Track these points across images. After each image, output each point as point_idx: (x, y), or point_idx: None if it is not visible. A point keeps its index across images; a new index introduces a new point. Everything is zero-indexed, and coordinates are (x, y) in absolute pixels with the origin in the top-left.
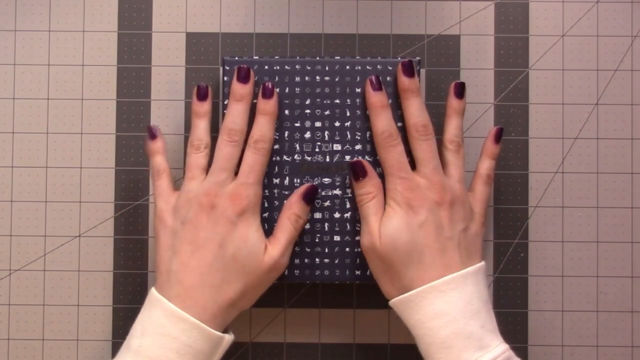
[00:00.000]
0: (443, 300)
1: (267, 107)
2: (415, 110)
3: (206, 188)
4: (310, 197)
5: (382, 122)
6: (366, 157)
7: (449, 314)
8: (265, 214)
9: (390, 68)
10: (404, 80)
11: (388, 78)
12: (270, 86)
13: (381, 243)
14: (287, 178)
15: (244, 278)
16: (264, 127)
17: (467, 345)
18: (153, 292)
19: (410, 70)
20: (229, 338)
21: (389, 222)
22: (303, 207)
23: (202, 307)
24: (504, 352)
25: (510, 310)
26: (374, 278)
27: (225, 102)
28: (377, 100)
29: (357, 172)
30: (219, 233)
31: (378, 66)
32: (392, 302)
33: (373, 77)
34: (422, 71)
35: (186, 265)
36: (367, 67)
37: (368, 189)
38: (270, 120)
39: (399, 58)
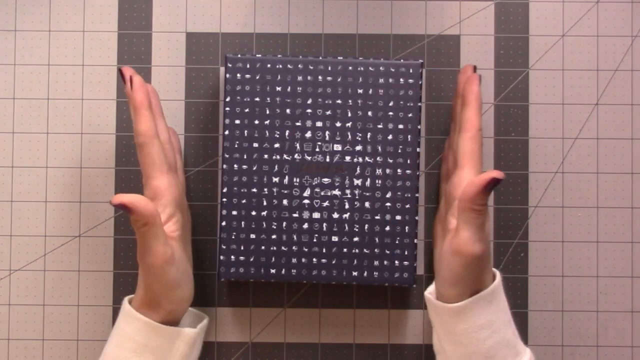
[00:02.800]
0: (490, 311)
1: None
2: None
3: None
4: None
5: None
6: (366, 158)
7: (493, 324)
8: (264, 213)
9: (392, 70)
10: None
11: (390, 80)
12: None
13: (488, 247)
14: (286, 177)
15: None
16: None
17: (507, 353)
18: (125, 299)
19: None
20: (189, 331)
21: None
22: None
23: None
24: (531, 356)
25: (511, 310)
26: (361, 281)
27: (227, 100)
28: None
29: (493, 185)
30: None
31: (380, 67)
32: (447, 307)
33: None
34: (423, 71)
35: None
36: (370, 67)
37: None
38: (135, 113)
39: (402, 60)
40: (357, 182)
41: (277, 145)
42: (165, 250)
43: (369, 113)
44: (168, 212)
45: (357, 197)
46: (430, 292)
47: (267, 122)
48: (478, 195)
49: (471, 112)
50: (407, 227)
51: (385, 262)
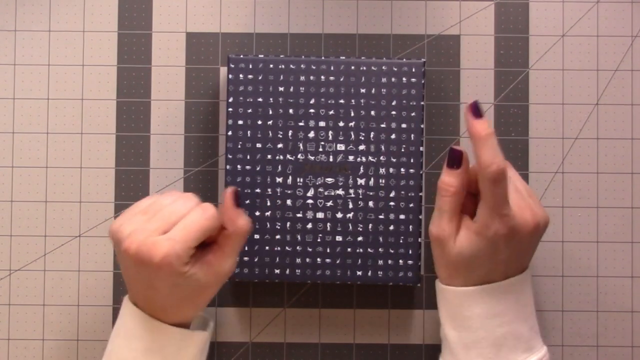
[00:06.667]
0: (503, 301)
1: None
2: None
3: None
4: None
5: (489, 152)
6: (369, 157)
7: (507, 315)
8: (268, 213)
9: (395, 69)
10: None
11: (393, 79)
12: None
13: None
14: (290, 177)
15: None
16: None
17: (516, 345)
18: (125, 297)
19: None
20: (200, 334)
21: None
22: None
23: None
24: (545, 354)
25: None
26: (357, 279)
27: (230, 100)
28: (481, 128)
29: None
30: None
31: (383, 67)
32: (454, 291)
33: (473, 104)
34: (423, 71)
35: None
36: (372, 67)
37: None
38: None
39: (404, 60)
40: (361, 181)
41: (280, 146)
42: None
43: (372, 112)
44: None
45: (360, 197)
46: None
47: (270, 122)
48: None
49: (478, 150)
50: (411, 226)
51: (390, 262)
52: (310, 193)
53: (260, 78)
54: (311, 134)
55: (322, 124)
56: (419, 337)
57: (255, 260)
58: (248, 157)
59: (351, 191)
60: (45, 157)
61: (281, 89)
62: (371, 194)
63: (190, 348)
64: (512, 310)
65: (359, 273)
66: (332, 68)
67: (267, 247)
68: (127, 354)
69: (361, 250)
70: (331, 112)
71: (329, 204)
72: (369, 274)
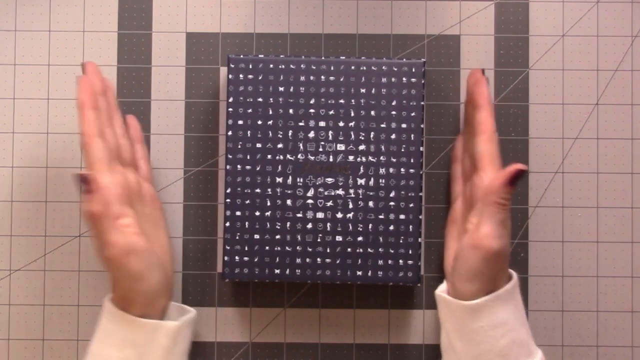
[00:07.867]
0: (506, 310)
1: None
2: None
3: None
4: None
5: (491, 117)
6: (369, 157)
7: (508, 323)
8: (268, 213)
9: (395, 69)
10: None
11: (393, 79)
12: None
13: (507, 246)
14: (290, 177)
15: None
16: None
17: (520, 352)
18: (105, 297)
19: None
20: (170, 324)
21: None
22: None
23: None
24: (542, 356)
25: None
26: (368, 279)
27: (230, 100)
28: (489, 97)
29: (518, 178)
30: None
31: (383, 67)
32: (464, 304)
33: (485, 78)
34: (423, 71)
35: None
36: (372, 67)
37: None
38: (79, 113)
39: (404, 60)
40: (361, 181)
41: (280, 146)
42: (123, 240)
43: (372, 112)
44: (113, 211)
45: (360, 197)
46: (441, 290)
47: (270, 122)
48: (504, 188)
49: (484, 115)
50: (411, 226)
51: (390, 262)
52: (310, 193)
53: (260, 78)
54: (311, 134)
55: (322, 124)
56: (419, 337)
57: (255, 260)
58: (248, 157)
59: (351, 191)
60: (45, 157)
61: (281, 89)
62: (371, 194)
63: (160, 338)
64: (512, 318)
65: (359, 273)
66: (332, 68)
67: (267, 248)
68: (102, 349)
69: (361, 250)
70: (331, 112)
71: (329, 204)
72: (369, 274)
